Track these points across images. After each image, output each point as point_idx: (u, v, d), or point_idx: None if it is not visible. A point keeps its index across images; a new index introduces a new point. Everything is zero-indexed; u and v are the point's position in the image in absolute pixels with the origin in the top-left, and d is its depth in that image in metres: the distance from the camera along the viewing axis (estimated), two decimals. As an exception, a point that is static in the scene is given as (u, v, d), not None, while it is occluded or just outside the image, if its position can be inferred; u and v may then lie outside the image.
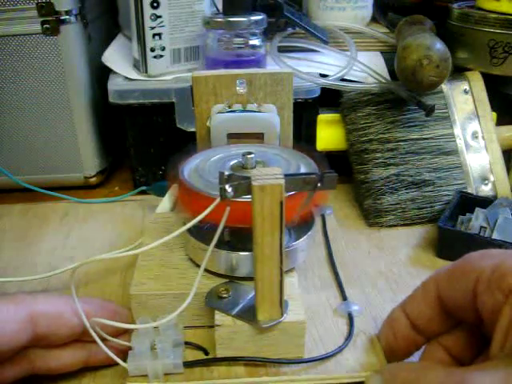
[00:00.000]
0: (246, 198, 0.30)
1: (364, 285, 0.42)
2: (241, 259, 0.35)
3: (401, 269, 0.44)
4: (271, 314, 0.32)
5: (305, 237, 0.37)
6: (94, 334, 0.31)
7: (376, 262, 0.45)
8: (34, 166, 0.57)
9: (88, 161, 0.57)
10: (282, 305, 0.32)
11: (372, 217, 0.51)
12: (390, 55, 0.59)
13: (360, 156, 0.53)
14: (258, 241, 0.30)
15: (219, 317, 0.33)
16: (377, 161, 0.52)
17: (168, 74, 0.55)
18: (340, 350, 0.34)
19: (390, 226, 0.50)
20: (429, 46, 0.48)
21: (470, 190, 0.52)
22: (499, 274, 0.27)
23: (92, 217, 0.53)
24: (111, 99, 0.53)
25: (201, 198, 0.34)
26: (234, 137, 0.42)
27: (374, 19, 0.66)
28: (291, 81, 0.43)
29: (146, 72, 0.54)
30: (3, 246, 0.48)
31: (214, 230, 0.31)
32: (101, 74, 0.56)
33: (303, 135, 0.56)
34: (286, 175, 0.29)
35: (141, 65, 0.54)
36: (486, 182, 0.53)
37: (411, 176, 0.51)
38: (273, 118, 0.42)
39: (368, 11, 0.64)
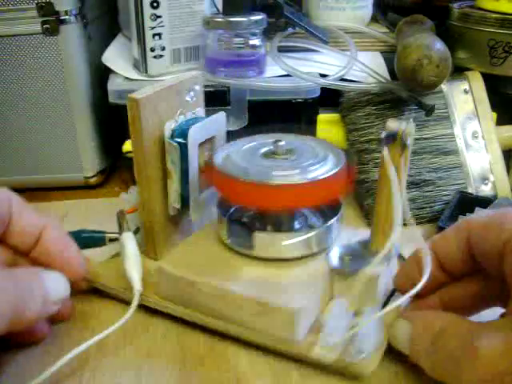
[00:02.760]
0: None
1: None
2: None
3: (401, 269, 0.44)
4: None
5: (336, 216, 0.40)
6: None
7: (376, 261, 0.45)
8: (34, 166, 0.57)
9: (88, 161, 0.57)
10: None
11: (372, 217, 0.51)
12: (389, 55, 0.59)
13: (360, 156, 0.53)
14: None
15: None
16: (377, 161, 0.52)
17: (168, 74, 0.55)
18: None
19: (390, 226, 0.50)
20: (429, 45, 0.48)
21: (470, 190, 0.52)
22: None
23: (92, 217, 0.52)
24: (111, 99, 0.52)
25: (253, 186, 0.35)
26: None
27: (373, 19, 0.66)
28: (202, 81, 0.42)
29: (146, 72, 0.54)
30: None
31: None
32: (101, 74, 0.56)
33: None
34: None
35: (141, 65, 0.54)
36: (486, 181, 0.53)
37: (411, 176, 0.51)
38: (222, 117, 0.41)
39: (368, 11, 0.64)
